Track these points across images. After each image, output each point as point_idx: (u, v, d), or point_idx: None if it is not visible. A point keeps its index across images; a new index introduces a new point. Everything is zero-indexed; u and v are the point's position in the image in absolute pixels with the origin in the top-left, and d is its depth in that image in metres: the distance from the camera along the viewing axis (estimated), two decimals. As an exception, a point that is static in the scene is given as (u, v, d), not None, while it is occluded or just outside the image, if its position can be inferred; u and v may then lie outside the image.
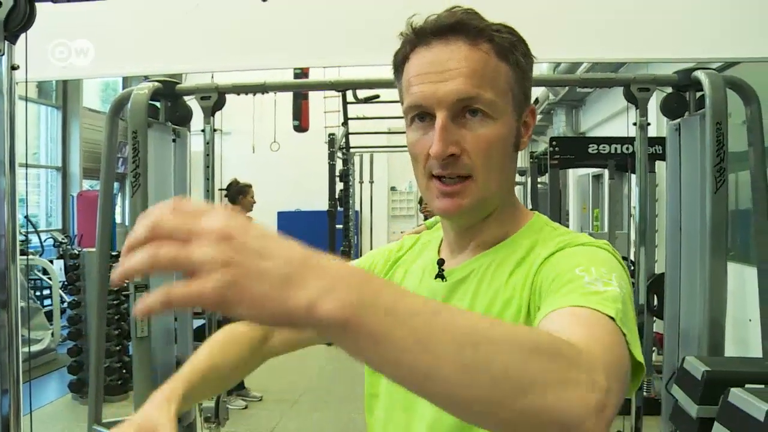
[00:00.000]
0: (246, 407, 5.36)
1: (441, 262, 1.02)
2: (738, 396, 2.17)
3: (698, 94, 3.12)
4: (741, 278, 4.29)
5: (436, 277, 1.01)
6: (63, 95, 12.21)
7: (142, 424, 0.86)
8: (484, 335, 0.57)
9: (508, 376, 0.56)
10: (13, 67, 1.81)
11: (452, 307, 0.61)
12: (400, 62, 0.96)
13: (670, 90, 3.27)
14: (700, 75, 2.98)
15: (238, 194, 5.58)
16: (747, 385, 2.25)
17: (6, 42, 1.79)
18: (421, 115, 0.92)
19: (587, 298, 0.76)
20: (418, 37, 0.92)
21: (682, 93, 3.22)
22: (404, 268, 1.09)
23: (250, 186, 5.67)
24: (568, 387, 0.58)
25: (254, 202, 5.68)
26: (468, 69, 0.89)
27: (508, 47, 0.92)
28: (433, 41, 0.91)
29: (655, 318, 4.32)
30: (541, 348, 0.59)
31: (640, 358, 0.77)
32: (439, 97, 0.89)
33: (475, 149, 0.90)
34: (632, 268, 4.22)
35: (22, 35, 1.85)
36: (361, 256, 1.26)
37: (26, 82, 2.09)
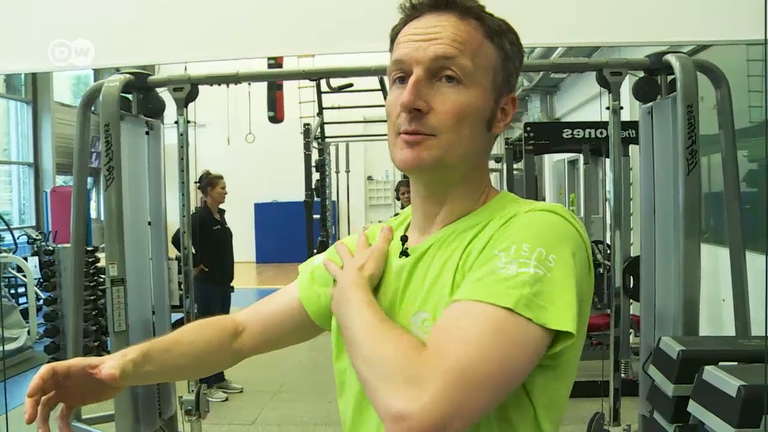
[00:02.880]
0: (227, 399, 5.35)
1: (404, 239, 1.05)
2: (712, 373, 2.21)
3: (669, 77, 3.15)
4: (714, 259, 4.36)
5: (400, 255, 1.03)
6: (33, 90, 12.00)
7: (91, 362, 0.97)
8: (359, 337, 0.88)
9: (358, 369, 0.87)
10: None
11: (369, 311, 0.91)
12: (394, 35, 1.00)
13: (642, 74, 3.30)
14: (671, 59, 3.01)
15: (208, 186, 5.55)
16: (720, 363, 2.29)
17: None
18: (401, 77, 0.96)
19: (488, 288, 0.83)
20: (414, 9, 0.98)
21: (653, 77, 3.24)
22: None
23: (220, 177, 5.63)
24: (379, 393, 0.80)
25: (225, 193, 5.64)
26: (452, 35, 0.93)
27: (496, 30, 0.97)
28: (426, 13, 0.97)
29: (631, 300, 4.37)
30: (372, 358, 0.84)
31: (562, 326, 0.82)
32: (419, 56, 0.93)
33: (442, 110, 0.93)
34: (608, 251, 4.26)
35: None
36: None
37: (-6, 75, 2.05)
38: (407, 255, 1.02)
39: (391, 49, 1.00)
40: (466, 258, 0.93)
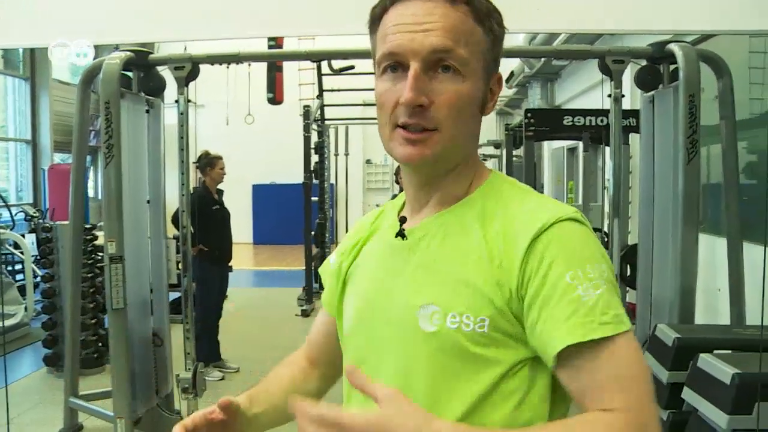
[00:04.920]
0: (223, 378, 5.38)
1: (402, 220, 1.04)
2: (706, 361, 2.23)
3: (672, 66, 3.14)
4: (711, 249, 4.37)
5: (397, 236, 1.02)
6: (31, 66, 11.92)
7: (207, 410, 1.01)
8: None
9: None
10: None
11: None
12: (377, 15, 0.97)
13: (644, 62, 3.29)
14: (674, 48, 3.00)
15: (207, 166, 5.53)
16: (715, 351, 2.31)
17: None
18: (393, 65, 0.94)
19: (596, 320, 0.85)
20: None
21: (656, 65, 3.24)
22: (368, 246, 1.10)
23: (219, 158, 5.62)
24: None
25: (224, 174, 5.62)
26: (446, 24, 0.91)
27: (485, 12, 0.95)
28: None
29: (628, 288, 4.39)
30: None
31: (629, 325, 0.88)
32: (415, 48, 0.91)
33: (444, 104, 0.92)
34: (606, 239, 4.27)
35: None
36: (336, 228, 1.27)
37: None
38: (404, 237, 1.01)
39: (372, 30, 0.98)
40: (528, 275, 0.89)
